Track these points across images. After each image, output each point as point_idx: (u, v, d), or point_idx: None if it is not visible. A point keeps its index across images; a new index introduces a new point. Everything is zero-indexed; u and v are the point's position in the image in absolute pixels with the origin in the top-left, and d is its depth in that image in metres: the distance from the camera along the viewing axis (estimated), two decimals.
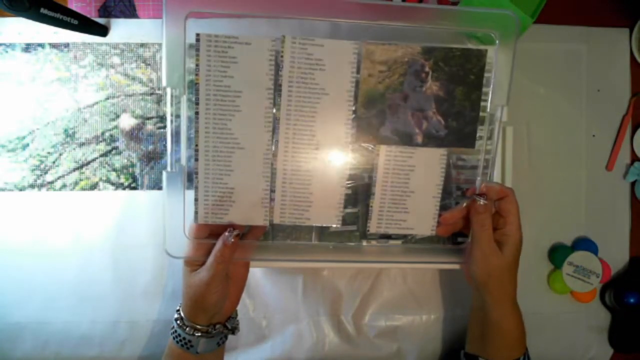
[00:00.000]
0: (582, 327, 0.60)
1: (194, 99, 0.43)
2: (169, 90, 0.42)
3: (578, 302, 0.59)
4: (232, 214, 0.45)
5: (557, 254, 0.58)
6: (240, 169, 0.44)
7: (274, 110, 0.44)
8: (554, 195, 0.59)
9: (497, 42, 0.44)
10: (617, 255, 0.59)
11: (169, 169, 0.43)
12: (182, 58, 0.42)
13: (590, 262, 0.55)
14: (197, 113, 0.43)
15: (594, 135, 0.59)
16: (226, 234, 0.42)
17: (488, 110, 0.45)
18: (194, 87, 0.43)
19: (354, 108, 0.44)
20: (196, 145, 0.43)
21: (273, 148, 0.44)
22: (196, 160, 0.43)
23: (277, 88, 0.43)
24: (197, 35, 0.42)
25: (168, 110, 0.43)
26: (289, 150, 0.44)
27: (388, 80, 0.44)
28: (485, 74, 0.45)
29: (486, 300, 0.45)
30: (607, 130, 0.59)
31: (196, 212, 0.44)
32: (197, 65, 0.42)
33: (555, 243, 0.59)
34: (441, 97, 0.45)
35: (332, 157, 0.45)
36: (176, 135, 0.43)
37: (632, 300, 0.57)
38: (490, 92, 0.45)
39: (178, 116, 0.43)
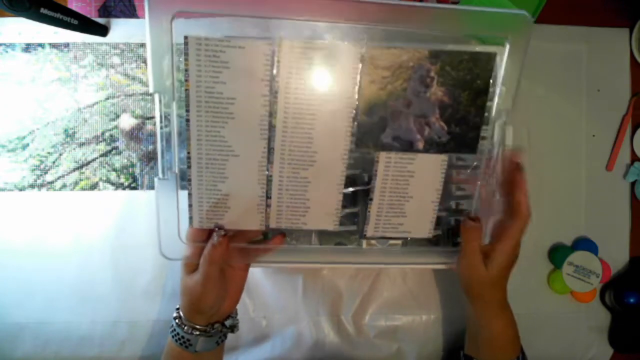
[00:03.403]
0: (582, 327, 0.60)
1: (184, 105, 0.41)
2: (156, 96, 0.40)
3: (578, 302, 0.59)
4: (228, 219, 0.44)
5: (557, 254, 0.58)
6: (234, 176, 0.43)
7: (270, 118, 0.42)
8: (554, 195, 0.59)
9: (508, 45, 0.41)
10: (617, 255, 0.59)
11: (160, 175, 0.42)
12: (169, 62, 0.39)
13: (590, 262, 0.55)
14: (188, 120, 0.41)
15: (594, 135, 0.59)
16: (214, 234, 0.43)
17: (493, 114, 0.44)
18: (183, 93, 0.40)
19: (355, 115, 0.43)
20: (188, 153, 0.42)
21: (269, 155, 0.43)
22: (189, 167, 0.42)
23: (274, 94, 0.41)
24: (185, 38, 0.39)
25: (157, 116, 0.41)
26: (285, 157, 0.43)
27: (390, 86, 0.42)
28: None
29: (471, 305, 0.46)
30: (607, 130, 0.59)
31: (191, 218, 0.44)
32: (186, 70, 0.40)
33: (555, 243, 0.59)
34: (445, 103, 0.43)
35: (330, 163, 0.44)
36: (167, 141, 0.42)
37: (632, 300, 0.57)
38: (497, 96, 0.43)
39: (168, 120, 0.41)
